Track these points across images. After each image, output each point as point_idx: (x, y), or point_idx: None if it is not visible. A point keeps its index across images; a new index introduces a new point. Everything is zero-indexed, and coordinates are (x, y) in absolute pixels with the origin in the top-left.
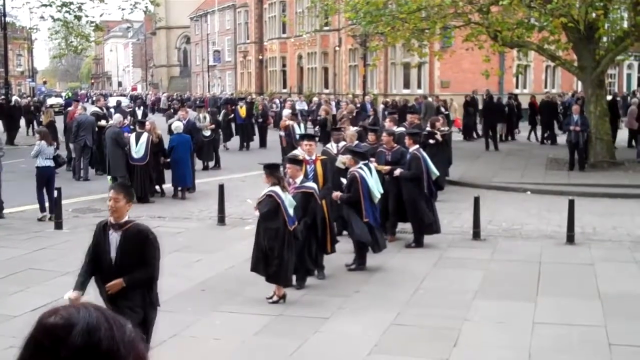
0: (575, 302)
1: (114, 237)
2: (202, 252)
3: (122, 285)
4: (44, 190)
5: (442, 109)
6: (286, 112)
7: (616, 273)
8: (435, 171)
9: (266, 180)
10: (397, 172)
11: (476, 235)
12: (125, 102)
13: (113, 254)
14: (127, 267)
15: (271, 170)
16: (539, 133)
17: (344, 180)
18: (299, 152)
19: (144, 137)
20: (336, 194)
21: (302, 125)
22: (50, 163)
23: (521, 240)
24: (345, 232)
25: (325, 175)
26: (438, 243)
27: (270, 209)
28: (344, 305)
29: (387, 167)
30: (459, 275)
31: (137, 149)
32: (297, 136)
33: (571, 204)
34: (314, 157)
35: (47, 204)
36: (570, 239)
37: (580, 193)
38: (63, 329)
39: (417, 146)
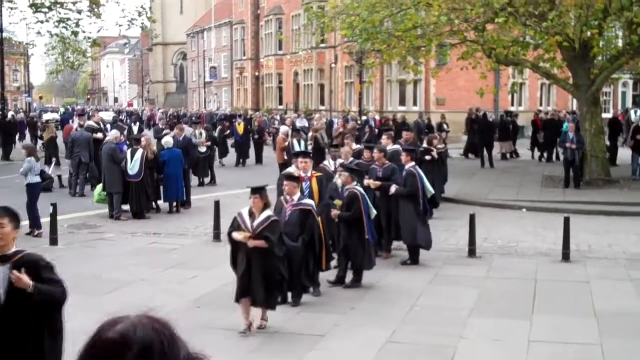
0: (570, 320)
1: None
2: (197, 269)
3: (28, 287)
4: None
5: (445, 126)
6: (283, 129)
7: (612, 291)
8: (430, 189)
9: (259, 202)
10: (393, 189)
11: (472, 252)
12: (107, 116)
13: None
14: (18, 311)
15: (261, 192)
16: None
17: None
18: (293, 169)
19: (139, 153)
20: (335, 212)
21: (302, 142)
22: (38, 179)
23: (517, 258)
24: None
25: (320, 192)
26: (433, 260)
27: (280, 234)
28: (339, 323)
29: (378, 183)
30: (455, 292)
31: (132, 165)
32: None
33: (566, 221)
34: (309, 174)
35: (27, 220)
36: (566, 256)
37: (576, 210)
38: (119, 346)
39: (413, 163)
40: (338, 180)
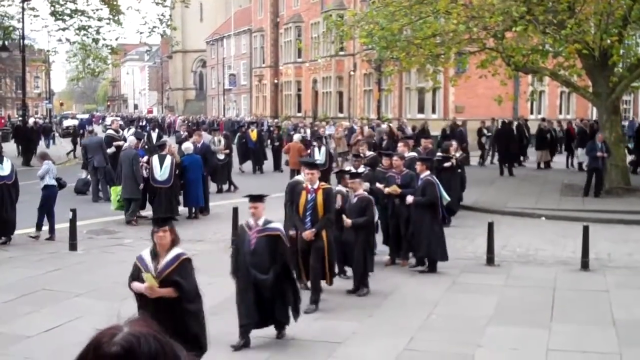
0: (589, 329)
1: None
2: (214, 276)
3: None
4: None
5: (485, 131)
6: (297, 136)
7: (631, 300)
8: (446, 196)
9: (166, 238)
10: (410, 199)
11: (490, 260)
12: (108, 120)
13: None
14: None
15: (168, 224)
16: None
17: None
18: (301, 178)
19: (168, 160)
20: (348, 222)
21: (323, 149)
22: (55, 183)
23: (535, 266)
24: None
25: (326, 205)
26: (451, 268)
27: (194, 281)
28: (357, 330)
29: (399, 190)
30: (473, 300)
31: (162, 172)
32: (317, 160)
33: (586, 230)
34: (315, 186)
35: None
36: (585, 265)
37: (595, 219)
38: None
39: (429, 172)
40: (343, 189)
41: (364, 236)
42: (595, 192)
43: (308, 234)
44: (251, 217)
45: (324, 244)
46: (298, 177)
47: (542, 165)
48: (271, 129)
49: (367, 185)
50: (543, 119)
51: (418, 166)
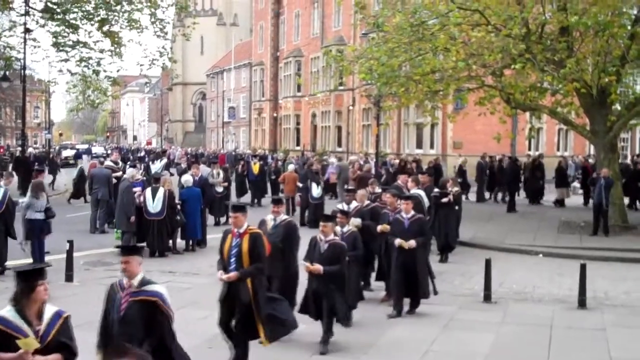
0: None
1: None
2: (209, 309)
3: None
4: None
5: (463, 167)
6: (291, 167)
7: (629, 339)
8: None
9: (40, 295)
10: (412, 243)
11: (487, 297)
12: (98, 150)
13: None
14: None
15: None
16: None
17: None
18: (268, 217)
19: (161, 192)
20: (319, 267)
21: (320, 185)
22: (41, 216)
23: (532, 304)
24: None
25: (253, 252)
26: (449, 305)
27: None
28: None
29: (388, 227)
30: (469, 338)
31: (155, 204)
32: (314, 195)
33: (583, 268)
34: (242, 230)
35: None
36: (582, 303)
37: (593, 257)
38: None
39: (413, 212)
40: (352, 226)
41: (337, 286)
42: (604, 230)
43: (232, 275)
44: (123, 273)
45: (249, 297)
46: (266, 217)
47: (561, 203)
48: (278, 162)
49: (358, 221)
50: (562, 156)
51: (403, 205)
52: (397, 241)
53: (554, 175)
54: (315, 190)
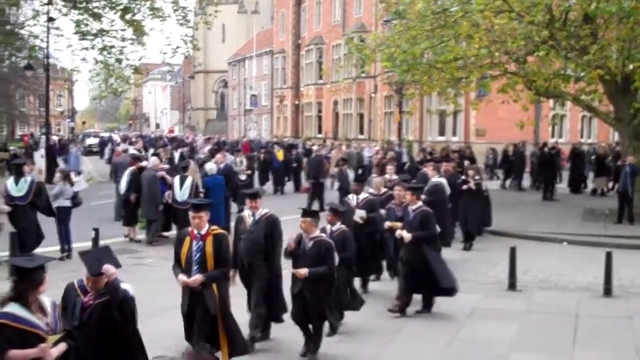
0: (612, 356)
1: None
2: (233, 296)
3: None
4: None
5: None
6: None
7: None
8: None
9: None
10: (408, 236)
11: (512, 286)
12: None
13: None
14: None
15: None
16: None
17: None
18: (246, 213)
19: (189, 181)
20: (302, 271)
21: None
22: (68, 203)
23: (557, 292)
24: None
25: (218, 256)
26: (473, 293)
27: None
28: (377, 357)
29: (399, 225)
30: (494, 326)
31: (182, 193)
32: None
33: (608, 255)
34: (203, 232)
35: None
36: (608, 291)
37: (618, 245)
38: None
39: (420, 202)
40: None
41: (324, 290)
42: (629, 218)
43: (198, 278)
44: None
45: (216, 306)
46: (243, 213)
47: (599, 192)
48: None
49: (363, 212)
50: (600, 144)
51: (408, 196)
52: (387, 224)
53: (593, 164)
54: (351, 176)
